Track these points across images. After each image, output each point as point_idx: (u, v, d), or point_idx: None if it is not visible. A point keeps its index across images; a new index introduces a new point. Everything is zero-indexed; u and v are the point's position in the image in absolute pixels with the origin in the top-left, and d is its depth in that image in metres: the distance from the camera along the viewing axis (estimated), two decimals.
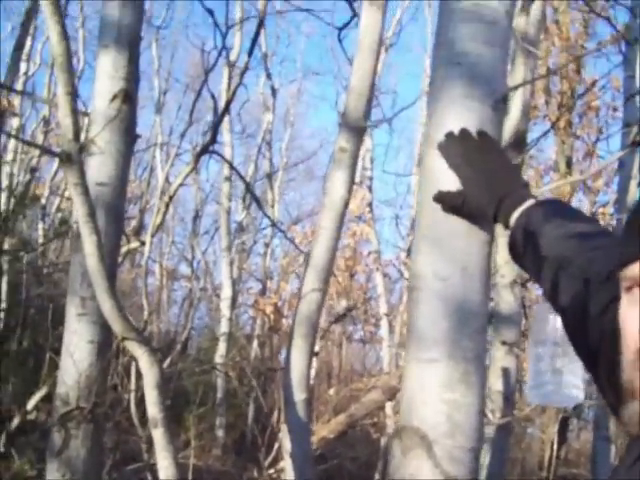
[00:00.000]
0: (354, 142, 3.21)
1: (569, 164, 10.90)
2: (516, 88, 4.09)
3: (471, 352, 1.53)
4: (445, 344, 1.46)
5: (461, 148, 1.47)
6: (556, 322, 1.38)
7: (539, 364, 1.39)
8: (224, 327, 12.73)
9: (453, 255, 1.49)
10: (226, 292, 12.99)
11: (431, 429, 1.43)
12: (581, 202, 12.19)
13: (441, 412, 1.43)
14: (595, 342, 1.12)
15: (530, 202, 1.41)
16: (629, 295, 0.92)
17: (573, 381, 1.37)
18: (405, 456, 1.44)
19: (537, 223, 1.35)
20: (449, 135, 1.49)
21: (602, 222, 9.87)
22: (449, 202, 1.47)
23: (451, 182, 1.51)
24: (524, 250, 1.38)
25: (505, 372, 4.77)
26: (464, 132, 1.49)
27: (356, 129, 3.23)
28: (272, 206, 15.61)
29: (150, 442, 4.71)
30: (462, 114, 1.53)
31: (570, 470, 11.22)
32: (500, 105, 1.59)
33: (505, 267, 4.63)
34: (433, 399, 1.45)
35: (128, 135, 3.56)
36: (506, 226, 1.43)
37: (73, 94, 2.04)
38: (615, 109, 11.09)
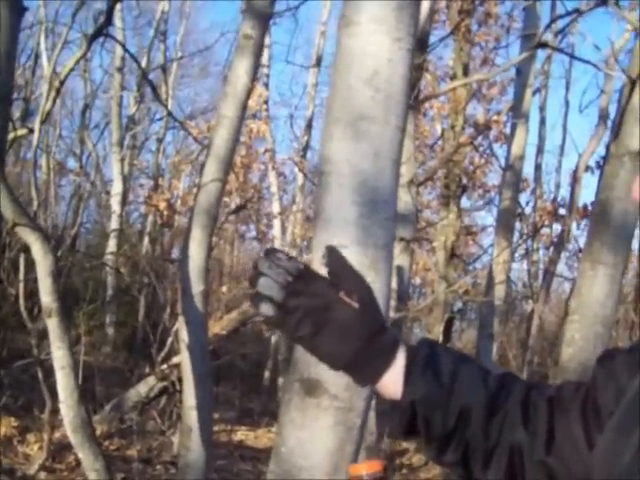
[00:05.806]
0: (259, 29, 3.10)
1: (466, 71, 10.98)
2: None
3: (381, 240, 1.51)
4: (355, 230, 1.43)
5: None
6: None
7: None
8: (114, 224, 12.49)
9: (365, 140, 1.45)
10: (117, 188, 12.69)
11: None
12: (475, 110, 12.40)
13: None
14: None
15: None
16: None
17: None
18: None
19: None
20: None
21: (495, 129, 10.07)
22: None
23: (365, 63, 1.46)
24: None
25: (399, 270, 4.87)
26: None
27: (262, 15, 3.12)
28: (166, 100, 15.18)
29: (40, 336, 4.61)
30: None
31: None
32: None
33: (403, 166, 4.67)
34: None
35: (14, 5, 3.30)
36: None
37: None
38: (513, 19, 11.20)
